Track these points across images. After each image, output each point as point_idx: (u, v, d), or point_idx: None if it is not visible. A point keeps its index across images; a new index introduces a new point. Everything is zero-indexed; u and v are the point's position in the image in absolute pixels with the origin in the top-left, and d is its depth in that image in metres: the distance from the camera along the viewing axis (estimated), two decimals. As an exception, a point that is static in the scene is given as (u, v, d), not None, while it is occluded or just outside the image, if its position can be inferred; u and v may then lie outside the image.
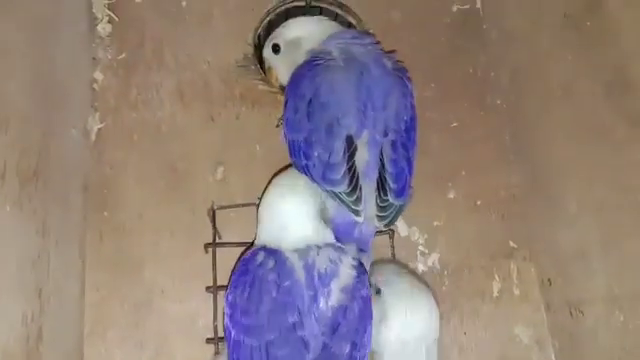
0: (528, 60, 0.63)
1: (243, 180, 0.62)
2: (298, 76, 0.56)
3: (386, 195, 0.52)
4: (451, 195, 0.65)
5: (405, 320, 0.51)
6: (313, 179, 0.53)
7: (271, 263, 0.49)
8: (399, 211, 0.53)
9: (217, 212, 0.60)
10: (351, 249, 0.51)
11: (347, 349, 0.47)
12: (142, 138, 0.64)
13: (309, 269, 0.48)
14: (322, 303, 0.47)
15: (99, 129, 0.64)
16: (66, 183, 0.58)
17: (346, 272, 0.49)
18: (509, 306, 0.62)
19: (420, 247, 0.63)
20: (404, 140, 0.54)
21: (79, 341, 0.57)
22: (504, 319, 0.61)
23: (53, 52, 0.57)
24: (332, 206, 0.53)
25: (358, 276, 0.49)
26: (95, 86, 0.66)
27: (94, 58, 0.66)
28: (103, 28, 0.67)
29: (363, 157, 0.52)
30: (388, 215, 0.52)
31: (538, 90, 0.61)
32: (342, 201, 0.51)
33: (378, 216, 0.52)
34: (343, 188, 0.51)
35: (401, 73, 0.57)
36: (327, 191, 0.52)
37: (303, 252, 0.50)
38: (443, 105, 0.67)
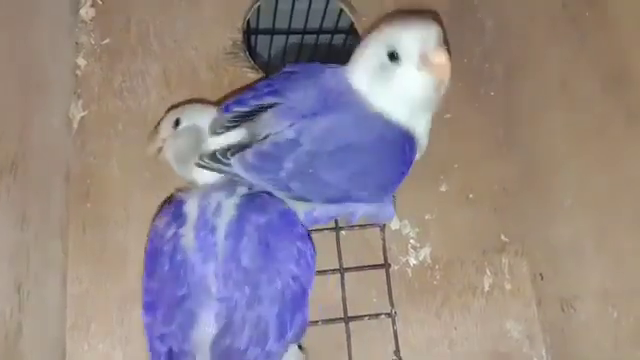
0: (524, 51, 0.62)
1: (231, 171, 0.60)
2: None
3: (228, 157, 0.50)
4: (443, 188, 0.64)
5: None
6: None
7: (170, 232, 0.49)
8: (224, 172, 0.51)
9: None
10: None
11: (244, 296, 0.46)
12: (127, 127, 0.62)
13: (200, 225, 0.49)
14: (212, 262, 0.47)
15: (82, 117, 0.62)
16: (47, 173, 0.56)
17: (229, 213, 0.49)
18: (500, 301, 0.61)
19: (411, 241, 0.62)
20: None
21: (61, 336, 0.55)
22: (495, 314, 0.61)
23: (33, 36, 0.55)
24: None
25: (241, 210, 0.49)
26: (78, 72, 0.64)
27: (77, 43, 0.64)
28: (86, 12, 0.65)
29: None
30: (208, 166, 0.51)
31: (534, 82, 0.60)
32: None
33: (207, 155, 0.51)
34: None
35: None
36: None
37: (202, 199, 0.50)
38: (436, 96, 0.66)
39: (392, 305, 0.59)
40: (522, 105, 0.62)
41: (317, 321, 0.56)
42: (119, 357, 0.56)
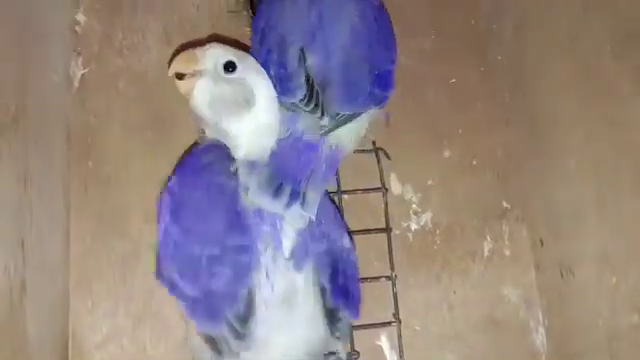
0: (532, 11, 0.60)
1: (234, 132, 0.60)
2: (259, 10, 0.56)
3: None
4: (446, 154, 0.64)
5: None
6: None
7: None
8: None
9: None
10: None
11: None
12: (128, 86, 0.61)
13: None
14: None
15: (82, 75, 0.61)
16: (48, 131, 0.55)
17: None
18: (499, 266, 0.62)
19: (413, 205, 0.62)
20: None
21: (64, 293, 0.56)
22: (494, 279, 0.61)
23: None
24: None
25: None
26: (77, 29, 0.62)
27: (76, -2, 0.63)
28: (85, -34, 0.63)
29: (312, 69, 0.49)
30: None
31: (542, 43, 0.59)
32: (302, 110, 0.48)
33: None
34: (299, 95, 0.48)
35: None
36: (287, 105, 0.49)
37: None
38: (442, 59, 0.65)
39: (392, 268, 0.59)
40: (529, 67, 0.61)
41: (318, 283, 0.57)
42: (122, 314, 0.57)
